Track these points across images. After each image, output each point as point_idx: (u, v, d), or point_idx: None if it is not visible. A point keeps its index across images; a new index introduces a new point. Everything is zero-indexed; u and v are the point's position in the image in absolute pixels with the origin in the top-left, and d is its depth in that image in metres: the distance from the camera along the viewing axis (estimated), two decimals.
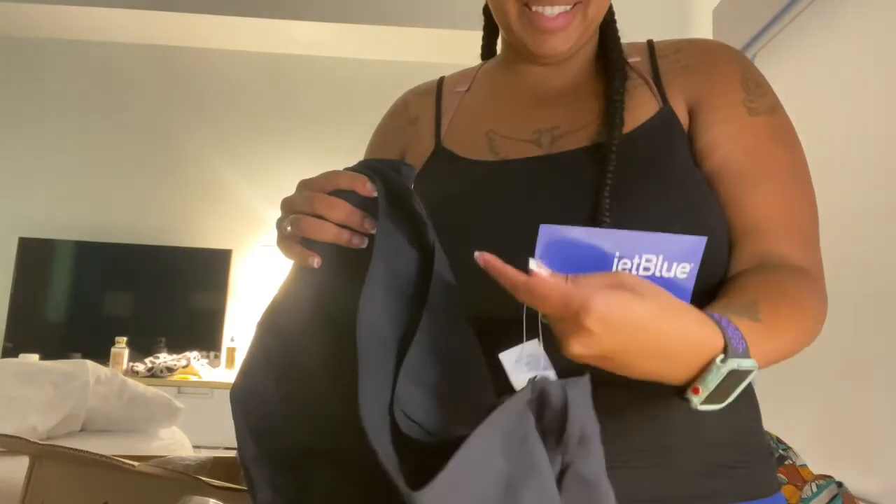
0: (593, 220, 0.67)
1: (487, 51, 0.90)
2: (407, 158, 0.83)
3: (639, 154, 0.71)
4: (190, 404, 2.40)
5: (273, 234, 4.53)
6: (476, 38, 0.90)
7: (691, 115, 0.75)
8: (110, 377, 2.09)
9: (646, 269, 0.52)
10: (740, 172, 0.71)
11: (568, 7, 0.72)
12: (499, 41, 0.89)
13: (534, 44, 0.74)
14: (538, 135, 0.76)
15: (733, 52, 0.79)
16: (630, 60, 0.79)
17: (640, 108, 0.74)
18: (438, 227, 0.66)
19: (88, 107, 4.03)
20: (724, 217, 0.71)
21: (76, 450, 0.93)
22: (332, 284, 0.61)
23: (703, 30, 2.90)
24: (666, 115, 0.74)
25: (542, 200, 0.70)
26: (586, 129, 0.74)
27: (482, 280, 0.67)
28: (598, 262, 0.53)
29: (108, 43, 4.05)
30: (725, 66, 0.77)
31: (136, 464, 0.91)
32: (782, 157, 0.73)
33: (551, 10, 0.72)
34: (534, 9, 0.72)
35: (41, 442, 1.61)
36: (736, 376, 0.53)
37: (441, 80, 0.89)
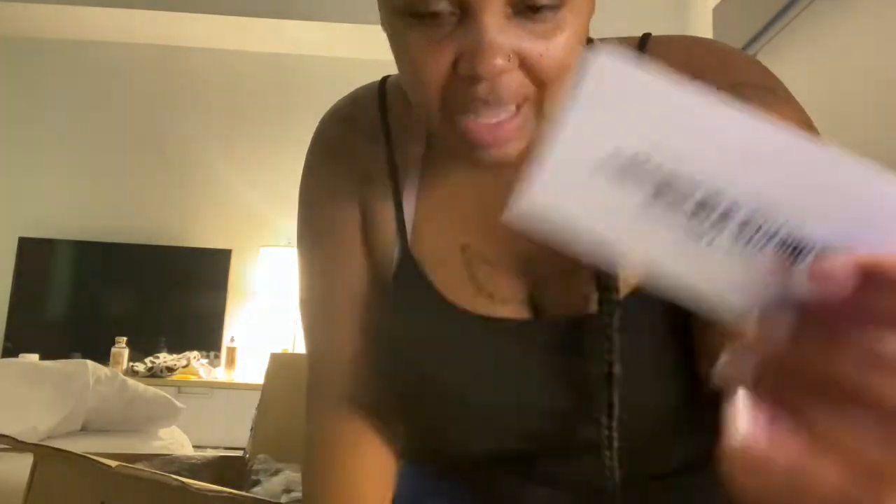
0: (595, 410, 0.58)
1: None
2: (370, 229, 0.69)
3: (646, 324, 0.58)
4: (190, 404, 2.40)
5: (272, 234, 4.50)
6: None
7: None
8: (110, 377, 2.09)
9: None
10: None
11: (512, 109, 0.51)
12: None
13: (474, 160, 0.54)
14: (522, 266, 0.63)
15: (765, 91, 0.58)
16: None
17: None
18: (418, 385, 0.62)
19: (88, 107, 4.03)
20: None
21: (74, 453, 0.93)
22: None
23: (703, 29, 2.90)
24: None
25: (538, 386, 0.61)
26: (578, 276, 0.60)
27: (479, 423, 0.64)
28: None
29: (108, 43, 4.05)
30: None
31: (134, 467, 0.91)
32: None
33: (494, 117, 0.51)
34: (466, 121, 0.52)
35: (41, 442, 1.61)
36: None
37: (385, 117, 0.70)
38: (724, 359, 0.26)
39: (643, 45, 0.65)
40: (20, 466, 1.14)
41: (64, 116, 4.01)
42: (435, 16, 0.50)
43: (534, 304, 0.63)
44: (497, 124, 0.51)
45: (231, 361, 3.72)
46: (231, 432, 2.86)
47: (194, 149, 4.00)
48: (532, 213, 0.26)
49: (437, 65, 0.51)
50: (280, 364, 2.03)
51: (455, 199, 0.66)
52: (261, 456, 1.49)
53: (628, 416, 0.56)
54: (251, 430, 1.88)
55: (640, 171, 0.25)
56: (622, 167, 0.25)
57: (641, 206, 0.25)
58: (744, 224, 0.24)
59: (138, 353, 3.61)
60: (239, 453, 1.78)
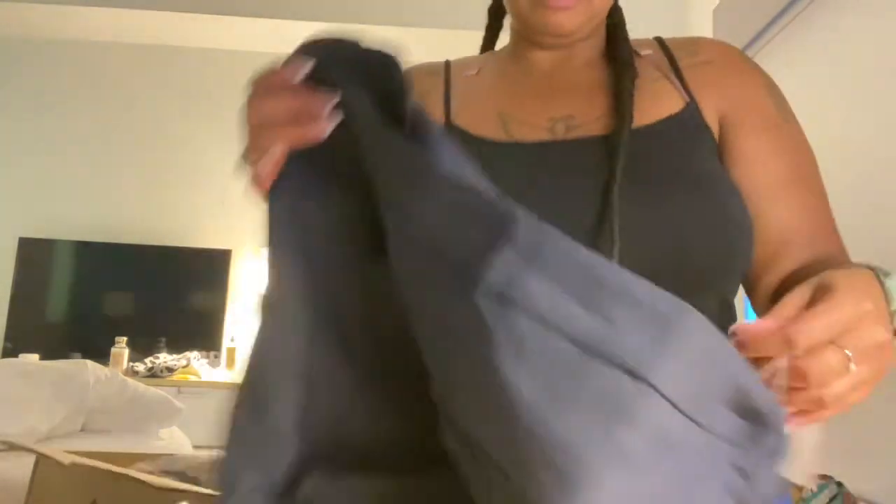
0: (602, 215, 0.65)
1: (488, 48, 0.88)
2: None
3: (660, 147, 0.70)
4: (190, 404, 2.40)
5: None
6: (478, 38, 0.90)
7: (722, 124, 0.74)
8: (110, 377, 2.09)
9: None
10: (785, 181, 0.72)
11: None
12: (498, 36, 0.87)
13: (541, 21, 0.73)
14: (552, 122, 0.74)
15: (745, 55, 0.80)
16: (642, 53, 0.78)
17: (662, 102, 0.73)
18: None
19: (88, 107, 4.03)
20: (749, 214, 0.69)
21: (65, 453, 0.94)
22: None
23: (704, 30, 2.90)
24: (692, 112, 0.73)
25: (551, 191, 0.69)
26: (602, 119, 0.73)
27: None
28: None
29: (108, 43, 4.05)
30: (749, 72, 0.77)
31: (129, 471, 0.91)
32: (813, 161, 0.75)
33: None
34: None
35: (41, 442, 1.61)
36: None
37: (447, 63, 0.86)
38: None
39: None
40: (20, 466, 1.14)
41: (64, 116, 4.01)
42: None
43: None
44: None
45: (231, 361, 3.72)
46: None
47: (194, 149, 4.00)
48: None
49: None
50: None
51: (494, 87, 0.80)
52: None
53: (633, 232, 0.64)
54: None
55: None
56: None
57: None
58: None
59: (138, 353, 3.62)
60: None
